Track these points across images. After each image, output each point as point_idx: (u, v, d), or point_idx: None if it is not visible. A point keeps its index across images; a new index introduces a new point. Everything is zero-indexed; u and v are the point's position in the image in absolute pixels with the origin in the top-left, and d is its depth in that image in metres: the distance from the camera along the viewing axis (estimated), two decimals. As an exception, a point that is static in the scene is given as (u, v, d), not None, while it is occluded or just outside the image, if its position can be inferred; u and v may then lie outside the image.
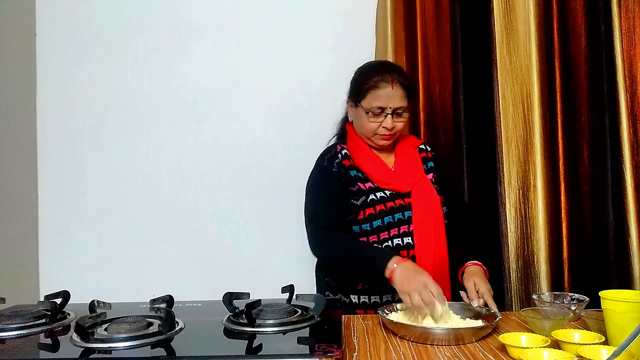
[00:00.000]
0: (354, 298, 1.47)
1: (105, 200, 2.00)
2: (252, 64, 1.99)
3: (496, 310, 1.24)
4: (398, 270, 1.25)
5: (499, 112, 1.78)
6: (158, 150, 2.00)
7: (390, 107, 1.46)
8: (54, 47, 2.00)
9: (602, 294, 1.05)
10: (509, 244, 1.76)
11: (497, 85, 1.78)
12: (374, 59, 1.91)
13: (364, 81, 1.50)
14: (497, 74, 1.78)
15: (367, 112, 1.48)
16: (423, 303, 1.17)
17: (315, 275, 1.67)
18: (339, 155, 1.53)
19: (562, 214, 1.78)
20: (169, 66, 1.99)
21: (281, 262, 1.95)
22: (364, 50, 1.93)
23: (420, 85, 1.86)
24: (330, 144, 1.65)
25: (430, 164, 1.59)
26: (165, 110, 2.00)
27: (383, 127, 1.48)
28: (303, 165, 1.86)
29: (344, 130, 1.63)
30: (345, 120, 1.64)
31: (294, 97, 1.98)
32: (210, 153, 1.99)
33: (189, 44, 1.99)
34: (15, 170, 1.94)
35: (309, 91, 1.98)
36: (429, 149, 1.64)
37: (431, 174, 1.56)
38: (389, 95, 1.46)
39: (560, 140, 1.80)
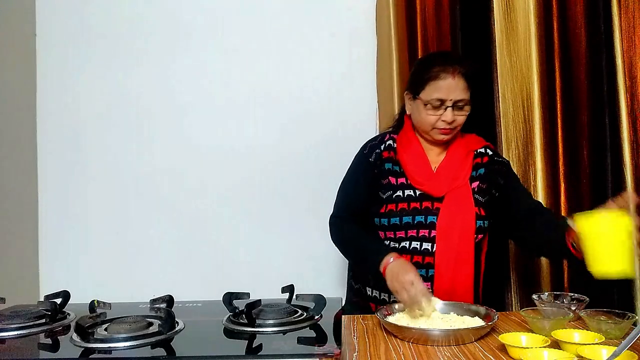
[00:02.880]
0: (369, 290, 1.45)
1: (106, 200, 2.00)
2: (253, 66, 1.99)
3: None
4: (390, 266, 1.25)
5: (499, 113, 1.78)
6: (158, 151, 2.00)
7: (451, 100, 1.37)
8: (54, 47, 2.00)
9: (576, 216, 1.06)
10: (509, 244, 1.76)
11: (497, 86, 1.78)
12: (376, 60, 1.91)
13: (424, 72, 1.41)
14: (497, 74, 1.78)
15: (425, 105, 1.39)
16: (409, 300, 1.19)
17: (347, 281, 1.63)
18: (382, 146, 1.48)
19: (562, 214, 1.78)
20: (169, 67, 1.99)
21: (281, 262, 1.96)
22: (365, 50, 1.93)
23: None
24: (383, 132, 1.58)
25: (481, 170, 1.47)
26: (165, 111, 2.00)
27: (442, 121, 1.38)
28: (303, 166, 1.86)
29: (401, 122, 1.53)
30: (404, 112, 1.54)
31: (294, 97, 1.98)
32: (210, 154, 1.99)
33: (190, 45, 1.99)
34: (15, 170, 1.94)
35: (309, 92, 1.98)
36: (489, 154, 1.50)
37: (477, 182, 1.45)
38: (450, 87, 1.37)
39: (560, 140, 1.80)
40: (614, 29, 1.71)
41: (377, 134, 1.59)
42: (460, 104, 1.38)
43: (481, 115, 1.80)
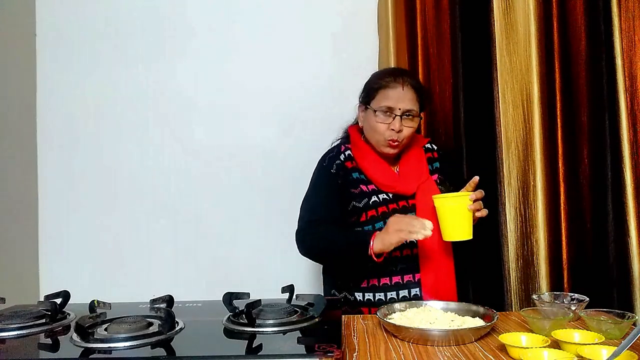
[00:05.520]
0: (359, 296, 1.46)
1: (105, 200, 2.00)
2: (254, 65, 1.99)
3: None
4: (377, 239, 1.31)
5: (499, 113, 1.78)
6: (158, 151, 2.00)
7: (400, 109, 1.43)
8: (54, 47, 2.00)
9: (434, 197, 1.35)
10: (509, 244, 1.76)
11: (497, 86, 1.78)
12: (376, 60, 1.91)
13: (375, 82, 1.50)
14: (497, 74, 1.78)
15: (375, 113, 1.45)
16: (414, 227, 1.26)
17: (323, 286, 1.65)
18: (342, 157, 1.52)
19: (562, 214, 1.78)
20: (169, 66, 1.99)
21: (281, 262, 1.96)
22: (366, 51, 1.93)
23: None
24: (334, 145, 1.63)
25: (436, 164, 1.58)
26: (165, 111, 2.00)
27: (391, 130, 1.44)
28: (303, 165, 1.86)
29: (347, 134, 1.61)
30: (348, 125, 1.62)
31: (295, 98, 1.98)
32: (210, 154, 1.99)
33: (189, 45, 2.00)
34: (15, 170, 1.94)
35: (311, 92, 1.98)
36: (435, 148, 1.62)
37: (436, 175, 1.55)
38: (399, 96, 1.44)
39: (560, 140, 1.80)
40: (614, 29, 1.71)
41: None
42: (408, 114, 1.45)
43: (481, 115, 1.81)
